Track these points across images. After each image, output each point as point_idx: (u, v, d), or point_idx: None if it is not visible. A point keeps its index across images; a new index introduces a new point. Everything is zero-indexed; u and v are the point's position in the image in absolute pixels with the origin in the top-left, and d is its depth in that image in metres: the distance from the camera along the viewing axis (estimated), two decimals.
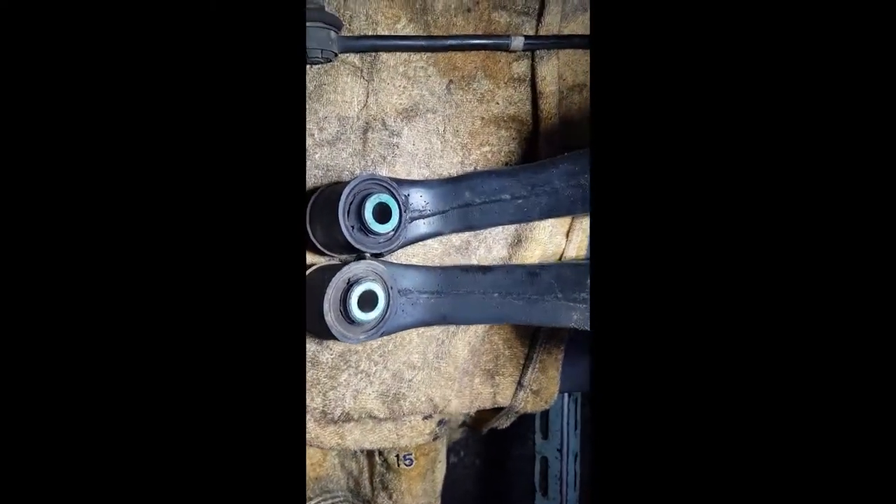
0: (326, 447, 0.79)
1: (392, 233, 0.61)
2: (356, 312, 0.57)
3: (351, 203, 0.59)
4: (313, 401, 0.75)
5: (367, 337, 0.60)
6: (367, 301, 0.59)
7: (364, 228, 0.59)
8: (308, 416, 0.76)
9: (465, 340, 0.78)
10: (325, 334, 0.60)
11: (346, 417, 0.77)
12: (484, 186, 0.64)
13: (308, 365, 0.74)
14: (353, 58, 0.72)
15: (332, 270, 0.60)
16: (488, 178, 0.64)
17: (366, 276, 0.60)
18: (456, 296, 0.65)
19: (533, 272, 0.60)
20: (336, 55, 0.69)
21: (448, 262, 0.76)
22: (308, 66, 0.70)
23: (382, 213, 0.60)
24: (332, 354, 0.74)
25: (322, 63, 0.69)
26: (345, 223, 0.58)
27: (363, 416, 0.78)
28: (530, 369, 0.80)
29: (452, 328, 0.78)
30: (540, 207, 0.60)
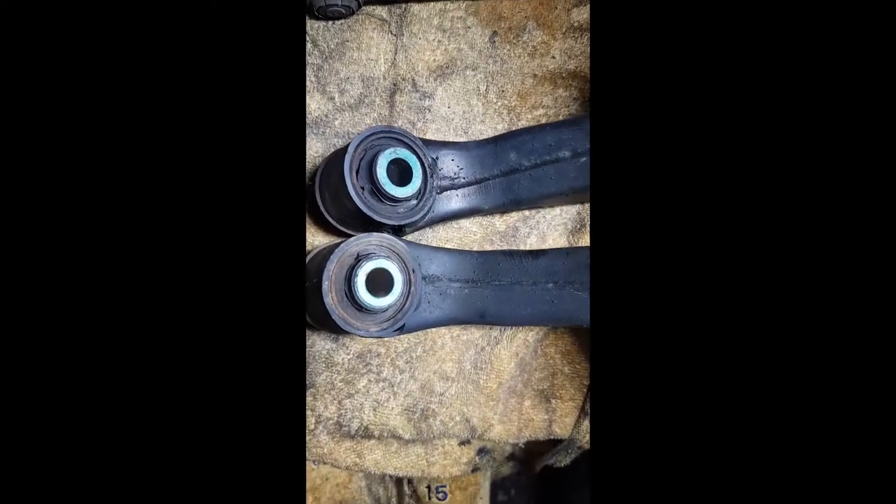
0: (341, 466, 0.66)
1: (413, 200, 0.48)
2: (364, 295, 0.44)
3: (361, 159, 0.47)
4: (327, 409, 0.63)
5: (382, 332, 0.47)
6: (380, 284, 0.46)
7: (378, 191, 0.46)
8: (321, 428, 0.63)
9: (512, 350, 0.62)
10: (328, 324, 0.47)
11: (366, 433, 0.64)
12: (535, 143, 0.49)
13: (322, 366, 0.62)
14: (380, 10, 0.63)
15: (332, 248, 0.48)
16: (541, 132, 0.49)
17: (378, 251, 0.47)
18: (497, 287, 0.50)
19: None
20: (359, 6, 0.59)
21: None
22: (328, 22, 0.61)
23: (402, 175, 0.48)
24: (349, 355, 0.62)
25: (344, 16, 0.60)
26: (352, 183, 0.46)
27: (385, 433, 0.64)
28: None
29: (495, 333, 0.62)
30: None
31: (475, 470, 0.70)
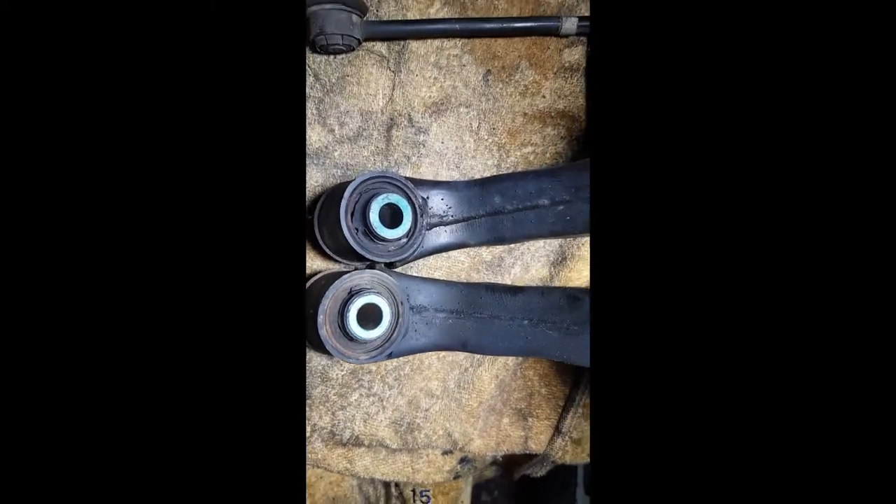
0: (334, 470, 0.72)
1: (404, 239, 0.53)
2: (354, 328, 0.49)
3: (356, 203, 0.51)
4: (322, 419, 0.68)
5: (371, 358, 0.52)
6: (371, 316, 0.51)
7: (370, 233, 0.50)
8: (315, 436, 0.69)
9: (493, 372, 0.67)
10: (322, 350, 0.52)
11: (356, 442, 0.69)
12: (518, 190, 0.53)
13: (318, 380, 0.67)
14: (380, 46, 0.66)
15: (335, 278, 0.52)
16: (523, 179, 0.53)
17: (370, 287, 0.52)
18: (479, 319, 0.55)
19: (574, 296, 0.48)
20: (360, 42, 0.63)
21: (476, 279, 0.66)
22: (329, 56, 0.65)
23: (393, 216, 0.52)
24: (342, 371, 0.67)
25: (344, 51, 0.63)
26: (347, 225, 0.50)
27: (374, 442, 0.69)
28: (571, 413, 0.66)
29: (478, 356, 0.67)
30: (586, 216, 0.49)
31: (457, 477, 0.75)
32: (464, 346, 0.56)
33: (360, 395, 0.68)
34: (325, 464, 0.71)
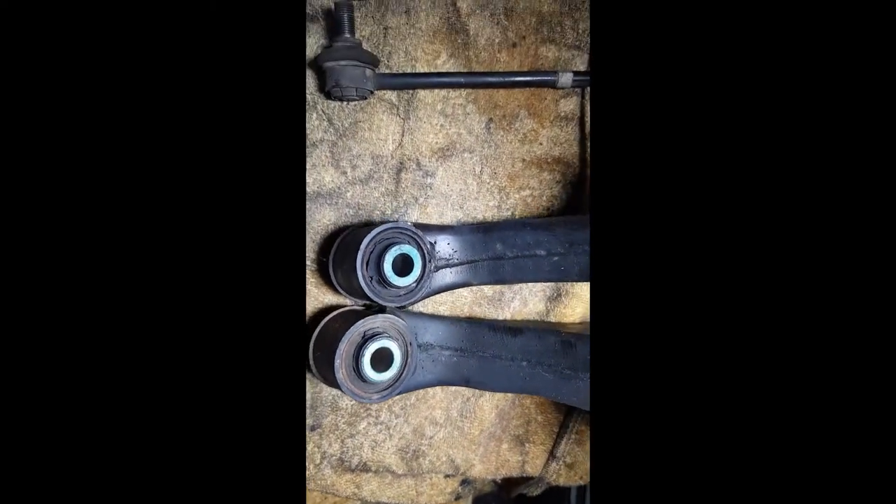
0: (342, 496, 0.75)
1: (414, 284, 0.57)
2: (369, 372, 0.53)
3: (371, 252, 0.55)
4: (331, 446, 0.72)
5: (381, 398, 0.56)
6: (383, 358, 0.55)
7: (384, 281, 0.55)
8: (325, 463, 0.73)
9: (493, 402, 0.71)
10: (339, 390, 0.56)
11: (364, 468, 0.73)
12: (517, 239, 0.58)
13: (328, 410, 0.71)
14: (390, 94, 0.70)
15: (348, 320, 0.56)
16: (522, 230, 0.58)
17: (382, 331, 0.56)
18: (481, 357, 0.59)
19: (568, 342, 0.53)
20: (372, 93, 0.67)
21: (479, 312, 0.70)
22: (343, 103, 0.69)
23: (405, 265, 0.56)
24: (352, 401, 0.71)
25: (357, 100, 0.68)
26: (363, 274, 0.54)
27: (381, 469, 0.73)
28: (565, 440, 0.71)
29: None
30: (579, 267, 0.53)
31: (458, 498, 0.79)
32: (467, 383, 0.60)
33: (369, 423, 0.72)
34: (333, 489, 0.75)
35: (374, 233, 0.55)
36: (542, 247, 0.55)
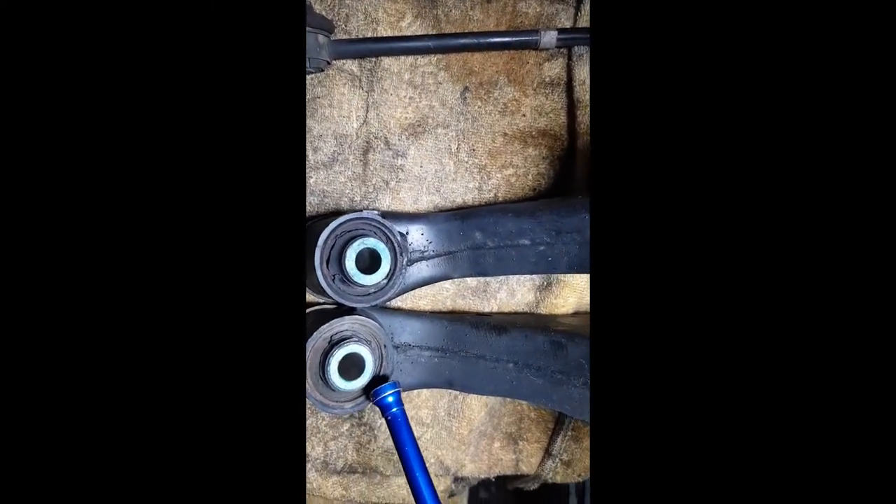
0: (329, 497, 0.72)
1: (384, 282, 0.51)
2: (337, 381, 0.47)
3: (332, 248, 0.49)
4: (314, 450, 0.68)
5: (356, 407, 0.51)
6: (354, 364, 0.49)
7: (347, 279, 0.48)
8: (309, 466, 0.68)
9: (483, 401, 0.66)
10: (312, 400, 0.51)
11: (350, 470, 0.69)
12: (498, 227, 0.51)
13: (308, 412, 0.66)
14: (351, 64, 0.62)
15: (315, 323, 0.50)
16: (503, 217, 0.51)
17: (352, 334, 0.50)
18: (464, 359, 0.54)
19: (558, 343, 0.47)
20: (329, 63, 0.59)
21: (462, 305, 0.64)
22: None
23: (373, 260, 0.50)
24: None
25: (312, 73, 0.59)
26: (323, 273, 0.48)
27: (368, 470, 0.69)
28: (561, 436, 0.67)
29: None
30: (568, 259, 0.47)
31: (452, 495, 0.75)
32: (450, 385, 0.55)
33: (352, 424, 0.67)
34: (320, 492, 0.71)
35: (332, 226, 0.48)
36: (526, 236, 0.49)
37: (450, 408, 0.66)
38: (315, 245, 0.47)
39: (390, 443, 0.68)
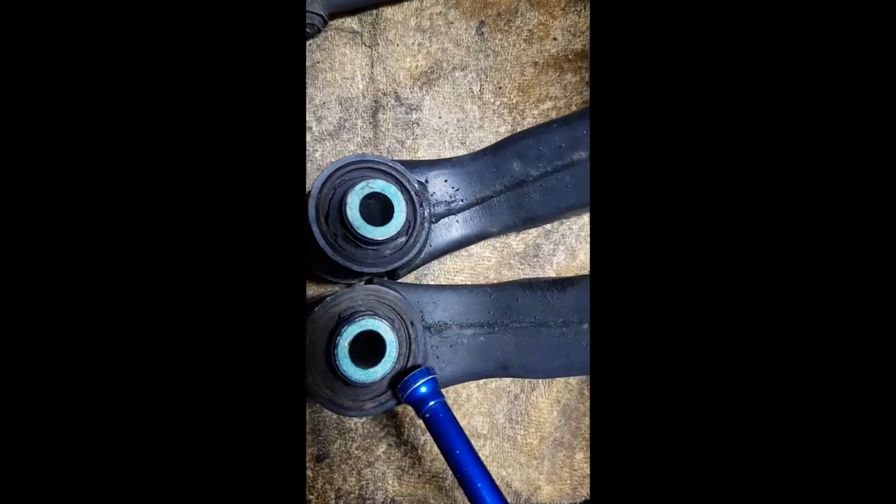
0: None
1: (402, 239, 0.40)
2: (348, 368, 0.36)
3: (330, 200, 0.39)
4: (346, 481, 0.55)
5: (379, 407, 0.38)
6: (371, 348, 0.38)
7: (352, 235, 0.38)
8: (341, 502, 0.56)
9: (552, 396, 0.51)
10: (310, 398, 0.39)
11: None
12: (542, 147, 0.39)
13: (334, 433, 0.54)
14: (350, 21, 0.55)
15: (318, 302, 0.39)
16: (546, 132, 0.39)
17: (365, 308, 0.39)
18: (519, 330, 0.40)
19: None
20: (325, 21, 0.52)
21: (509, 277, 0.51)
22: None
23: (385, 211, 0.39)
24: (362, 419, 0.54)
25: (311, 35, 0.53)
26: (321, 231, 0.38)
27: (415, 503, 0.55)
28: None
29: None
30: None
31: None
32: (506, 371, 0.41)
33: (389, 444, 0.54)
34: None
35: (327, 171, 0.38)
36: (582, 145, 0.36)
37: (510, 411, 0.52)
38: (310, 197, 0.38)
39: (438, 464, 0.54)
